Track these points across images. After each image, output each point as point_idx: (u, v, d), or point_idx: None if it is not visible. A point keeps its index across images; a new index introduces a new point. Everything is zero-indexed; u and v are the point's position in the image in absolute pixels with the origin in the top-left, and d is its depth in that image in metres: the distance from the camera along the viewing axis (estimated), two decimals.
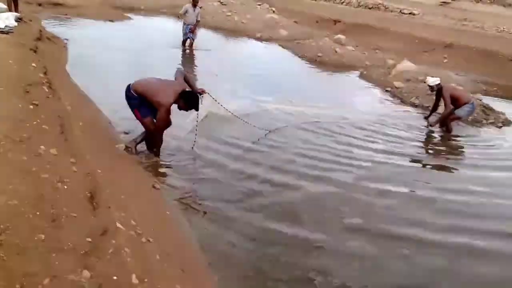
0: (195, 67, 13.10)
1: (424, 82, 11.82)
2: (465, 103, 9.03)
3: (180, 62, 13.28)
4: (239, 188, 5.65)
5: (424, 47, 18.80)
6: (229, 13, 22.96)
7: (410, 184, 6.41)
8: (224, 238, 4.56)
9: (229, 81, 10.97)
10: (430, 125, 9.43)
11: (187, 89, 5.99)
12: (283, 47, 18.04)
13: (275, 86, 11.48)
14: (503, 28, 25.48)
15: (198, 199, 5.28)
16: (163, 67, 10.21)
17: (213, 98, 6.91)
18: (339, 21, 24.17)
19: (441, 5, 40.70)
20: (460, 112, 9.10)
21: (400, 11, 29.68)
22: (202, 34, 17.76)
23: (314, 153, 7.10)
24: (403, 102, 11.35)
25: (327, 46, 16.83)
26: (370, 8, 31.93)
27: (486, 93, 13.14)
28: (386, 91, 12.25)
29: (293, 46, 17.70)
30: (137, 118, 5.96)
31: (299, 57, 16.26)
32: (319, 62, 15.63)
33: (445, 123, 9.24)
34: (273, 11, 26.63)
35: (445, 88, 9.15)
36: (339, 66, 15.33)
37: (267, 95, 10.15)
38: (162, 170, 5.94)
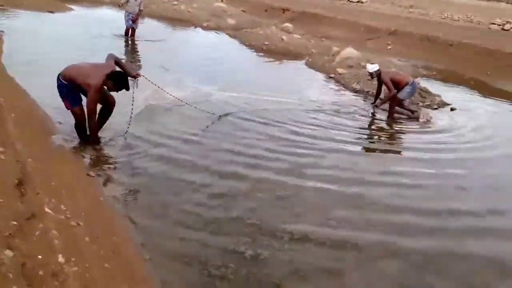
0: (139, 58, 12.85)
1: (365, 68, 12.16)
2: (405, 85, 9.22)
3: (123, 52, 13.05)
4: (173, 176, 5.57)
5: (369, 35, 19.16)
6: (176, 2, 22.71)
7: (348, 169, 6.45)
8: (159, 222, 4.55)
9: (174, 71, 10.79)
10: (376, 106, 9.63)
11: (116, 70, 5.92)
12: (230, 36, 18.00)
13: (222, 75, 11.31)
14: (447, 15, 26.36)
15: (134, 186, 5.21)
16: (103, 59, 10.03)
17: (151, 82, 6.80)
18: (288, 10, 24.31)
19: None
20: (401, 94, 9.26)
21: None
22: (148, 24, 17.54)
23: (260, 142, 7.03)
24: (345, 87, 11.50)
25: (274, 34, 16.89)
26: None
27: (426, 77, 13.51)
28: (330, 77, 12.40)
29: (241, 35, 17.67)
30: (67, 108, 5.89)
31: (246, 45, 16.26)
32: (266, 50, 15.67)
33: (389, 110, 9.35)
34: (221, 0, 26.51)
35: (384, 73, 9.29)
36: (285, 54, 15.42)
37: (213, 84, 9.98)
38: (98, 158, 5.82)
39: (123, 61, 6.40)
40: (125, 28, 14.42)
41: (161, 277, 3.73)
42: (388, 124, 9.07)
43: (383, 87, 9.55)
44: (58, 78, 5.75)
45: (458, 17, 25.53)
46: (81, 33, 14.20)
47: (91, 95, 5.60)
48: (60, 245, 3.05)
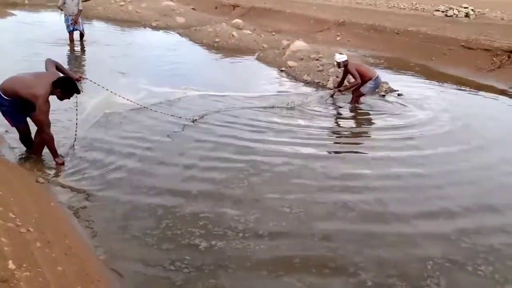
0: (92, 63, 12.50)
1: (317, 60, 12.42)
2: (369, 79, 9.46)
3: (69, 59, 12.61)
4: (126, 180, 5.55)
5: (319, 27, 19.49)
6: (123, 3, 22.41)
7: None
8: (111, 223, 4.59)
9: (131, 75, 10.67)
10: (340, 91, 9.87)
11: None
12: (180, 34, 17.99)
13: (175, 75, 11.30)
14: (394, 4, 27.07)
15: (85, 191, 5.19)
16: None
17: (94, 83, 6.50)
18: (238, 6, 24.42)
19: None
20: (364, 89, 9.52)
21: None
22: (94, 26, 17.31)
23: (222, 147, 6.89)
24: (296, 79, 11.70)
25: (224, 31, 16.95)
26: None
27: (374, 66, 13.87)
28: (281, 70, 12.58)
29: (190, 33, 17.67)
30: (11, 125, 5.68)
31: (197, 43, 16.28)
32: (217, 47, 15.75)
33: (353, 99, 9.68)
34: None
35: (351, 64, 9.54)
36: (237, 50, 15.54)
37: (167, 85, 9.70)
38: (47, 165, 5.74)
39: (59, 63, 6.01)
40: (68, 35, 13.94)
41: (116, 276, 3.78)
42: (351, 109, 9.47)
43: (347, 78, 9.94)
44: None
45: (404, 6, 26.27)
46: (25, 39, 13.85)
47: (40, 106, 5.19)
48: (10, 252, 3.03)
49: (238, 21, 18.62)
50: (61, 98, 5.52)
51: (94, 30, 15.78)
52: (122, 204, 4.96)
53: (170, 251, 4.17)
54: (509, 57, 13.89)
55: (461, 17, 22.78)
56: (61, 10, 13.66)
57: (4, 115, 5.50)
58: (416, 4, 26.40)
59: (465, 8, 23.57)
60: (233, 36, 16.50)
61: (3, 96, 5.29)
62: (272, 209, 5.04)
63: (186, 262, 4.02)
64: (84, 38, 14.25)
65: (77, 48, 13.85)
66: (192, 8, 24.38)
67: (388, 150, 7.12)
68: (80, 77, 6.12)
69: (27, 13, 20.01)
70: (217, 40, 16.25)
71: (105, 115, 7.50)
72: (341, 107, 9.64)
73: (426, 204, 5.42)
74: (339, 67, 9.74)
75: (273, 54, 14.15)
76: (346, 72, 9.68)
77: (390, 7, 25.46)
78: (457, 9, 23.39)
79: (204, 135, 7.23)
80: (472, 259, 4.35)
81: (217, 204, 5.05)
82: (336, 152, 7.10)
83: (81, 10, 13.83)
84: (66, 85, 5.41)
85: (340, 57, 9.56)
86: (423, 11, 24.61)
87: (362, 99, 9.78)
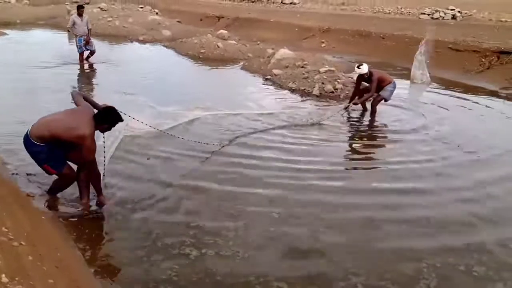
0: (95, 83, 12.08)
1: (302, 67, 12.29)
2: (389, 83, 9.31)
3: (79, 81, 12.19)
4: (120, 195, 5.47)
5: (303, 34, 19.47)
6: (110, 19, 22.46)
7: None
8: (102, 236, 4.64)
9: (133, 94, 10.22)
10: (355, 104, 9.54)
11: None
12: (166, 47, 17.95)
13: (172, 91, 11.15)
14: (378, 9, 27.09)
15: (76, 203, 5.17)
16: (60, 90, 9.99)
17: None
18: (222, 17, 24.42)
19: None
20: (384, 93, 9.35)
21: (282, 1, 30.60)
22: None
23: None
24: (282, 87, 11.58)
25: (209, 42, 16.93)
26: (253, 2, 32.61)
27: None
28: (267, 79, 12.50)
29: (177, 45, 17.64)
30: (50, 174, 5.01)
31: (183, 55, 16.23)
32: (202, 58, 15.71)
33: (372, 109, 9.47)
34: (156, 13, 26.40)
35: (375, 73, 9.23)
36: (222, 60, 15.53)
37: (171, 103, 9.46)
38: (37, 178, 5.65)
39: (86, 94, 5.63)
40: (78, 51, 13.51)
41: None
42: (371, 121, 9.27)
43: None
44: (28, 141, 4.75)
45: (389, 10, 26.25)
46: (24, 61, 13.44)
47: (90, 146, 4.68)
48: (3, 265, 3.03)
49: (223, 31, 18.58)
50: (104, 130, 5.04)
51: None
52: (114, 217, 4.95)
53: (161, 263, 4.17)
54: (498, 57, 13.88)
55: (448, 19, 22.79)
56: (68, 31, 13.72)
57: (44, 164, 4.86)
58: (401, 8, 26.39)
59: (451, 10, 23.60)
60: (218, 46, 16.46)
61: (38, 143, 4.71)
62: None
63: (177, 272, 4.04)
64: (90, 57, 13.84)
65: (89, 68, 13.52)
66: (178, 21, 24.34)
67: None
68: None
69: (20, 32, 20.01)
70: (202, 51, 16.20)
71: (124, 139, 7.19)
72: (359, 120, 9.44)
73: None
74: (365, 77, 9.24)
75: (258, 63, 14.10)
76: (363, 80, 9.39)
77: (375, 12, 25.46)
78: (443, 12, 23.41)
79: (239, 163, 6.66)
80: None
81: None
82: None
83: (91, 29, 13.56)
84: (110, 117, 4.91)
85: (363, 69, 9.10)
86: (409, 15, 24.60)
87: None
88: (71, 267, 3.95)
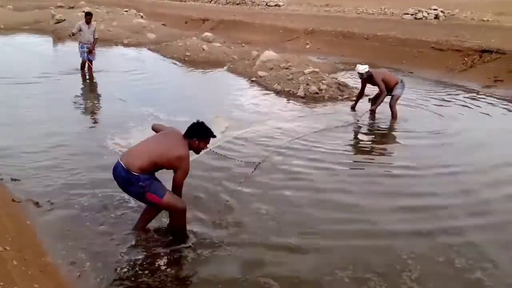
0: (98, 92, 11.53)
1: (287, 69, 12.36)
2: (396, 84, 9.28)
3: (81, 89, 11.75)
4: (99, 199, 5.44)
5: (288, 36, 19.55)
6: (94, 22, 22.25)
7: None
8: (87, 240, 4.55)
9: (132, 102, 10.00)
10: (373, 110, 9.48)
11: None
12: (151, 50, 17.91)
13: (172, 99, 10.81)
14: (362, 10, 27.30)
15: (60, 209, 5.14)
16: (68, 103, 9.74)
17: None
18: (207, 20, 24.43)
19: None
20: (397, 91, 9.31)
21: (266, 3, 30.73)
22: (70, 47, 16.99)
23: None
24: (267, 89, 11.63)
25: (194, 44, 16.95)
26: (237, 4, 32.71)
27: (345, 71, 13.96)
28: (252, 81, 12.54)
29: (161, 48, 17.65)
30: (157, 203, 4.45)
31: (168, 58, 16.21)
32: (188, 61, 15.71)
33: (391, 110, 9.40)
34: (141, 16, 26.36)
35: (376, 74, 9.25)
36: (207, 63, 15.52)
37: (179, 113, 8.96)
38: (22, 184, 5.65)
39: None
40: (80, 61, 12.90)
41: None
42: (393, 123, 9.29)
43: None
44: (129, 176, 4.29)
45: (373, 11, 26.49)
46: (24, 69, 12.99)
47: (186, 167, 4.38)
48: None
49: (208, 34, 18.58)
50: (199, 149, 4.66)
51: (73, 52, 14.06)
52: (101, 221, 4.91)
53: (148, 269, 4.17)
54: (480, 56, 14.05)
55: (431, 19, 23.03)
56: (72, 36, 13.00)
57: (143, 194, 4.37)
58: (384, 9, 26.68)
59: (434, 10, 23.84)
60: (203, 49, 16.48)
61: (137, 174, 4.29)
62: None
63: (166, 274, 4.09)
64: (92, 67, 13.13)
65: (88, 77, 12.81)
66: (163, 24, 24.31)
67: None
68: None
69: (4, 37, 19.79)
70: (187, 54, 16.22)
71: None
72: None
73: None
74: (361, 77, 9.32)
75: (244, 65, 14.15)
76: (366, 83, 9.40)
77: (358, 13, 25.68)
78: (426, 12, 23.64)
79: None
80: None
81: None
82: None
83: (97, 38, 12.92)
84: (200, 131, 4.57)
85: (363, 68, 9.16)
86: (392, 15, 24.86)
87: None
88: (56, 272, 3.93)
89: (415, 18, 23.23)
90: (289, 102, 10.57)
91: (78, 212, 5.08)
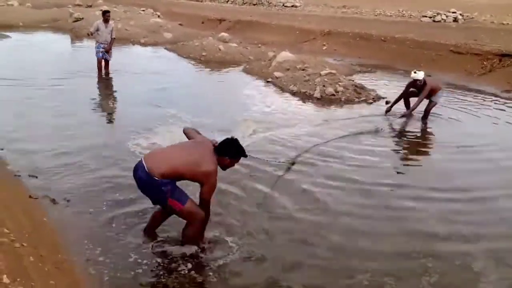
0: (121, 95, 10.98)
1: (303, 70, 12.31)
2: (440, 90, 9.45)
3: (99, 90, 11.69)
4: (102, 197, 5.47)
5: (304, 37, 19.49)
6: (112, 21, 22.41)
7: None
8: (103, 239, 4.58)
9: (165, 107, 9.60)
10: (406, 115, 9.50)
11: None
12: (168, 50, 17.96)
13: (193, 99, 10.64)
14: (380, 12, 27.13)
15: (76, 205, 5.19)
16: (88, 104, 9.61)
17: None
18: (224, 20, 24.45)
19: None
20: (437, 99, 9.50)
21: (283, 4, 30.71)
22: (88, 47, 17.12)
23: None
24: (283, 90, 11.60)
25: (211, 44, 16.97)
26: (254, 5, 32.74)
27: (361, 73, 13.89)
28: (268, 81, 12.50)
29: (178, 48, 17.67)
30: (177, 210, 4.31)
31: (184, 57, 16.26)
32: (204, 61, 15.73)
33: (425, 114, 9.54)
34: (158, 16, 26.47)
35: (428, 81, 9.34)
36: (224, 63, 15.53)
37: (203, 113, 9.08)
38: (39, 180, 5.71)
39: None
40: (96, 61, 12.60)
41: None
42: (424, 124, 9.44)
43: None
44: (149, 179, 4.13)
45: (391, 13, 26.32)
46: (48, 69, 12.80)
47: (214, 183, 4.20)
48: (4, 266, 3.05)
49: (224, 34, 18.60)
50: (227, 167, 4.44)
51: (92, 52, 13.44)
52: (116, 220, 4.94)
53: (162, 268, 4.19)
54: (500, 60, 13.88)
55: (449, 22, 22.84)
56: (91, 36, 12.61)
57: (170, 199, 4.22)
58: (402, 11, 26.49)
59: (453, 13, 23.66)
60: (219, 49, 16.49)
61: (158, 178, 4.11)
62: None
63: (183, 275, 4.09)
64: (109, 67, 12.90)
65: (105, 77, 12.62)
66: (180, 24, 24.38)
67: None
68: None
69: (24, 34, 19.99)
70: (204, 53, 16.24)
71: None
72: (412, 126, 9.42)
73: None
74: (420, 83, 9.23)
75: (260, 66, 14.12)
76: (415, 87, 9.38)
77: (376, 15, 25.54)
78: (445, 14, 23.47)
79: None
80: None
81: None
82: None
83: (114, 38, 12.59)
84: (233, 150, 4.35)
85: (422, 74, 9.20)
86: (410, 17, 24.70)
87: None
88: (72, 268, 3.97)
89: (434, 21, 23.07)
90: (305, 104, 10.50)
91: (94, 211, 5.09)
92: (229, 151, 4.29)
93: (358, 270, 4.28)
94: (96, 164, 6.37)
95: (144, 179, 4.17)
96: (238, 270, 4.24)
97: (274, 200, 5.63)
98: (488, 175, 6.77)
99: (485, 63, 14.16)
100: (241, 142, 4.46)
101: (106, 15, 12.33)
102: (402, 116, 9.49)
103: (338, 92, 10.88)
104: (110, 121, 9.04)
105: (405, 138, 8.79)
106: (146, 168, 4.12)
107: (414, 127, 9.31)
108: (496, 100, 11.47)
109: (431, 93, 9.32)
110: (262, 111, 9.72)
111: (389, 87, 12.33)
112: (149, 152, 4.44)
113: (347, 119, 9.36)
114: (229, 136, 4.43)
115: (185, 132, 4.76)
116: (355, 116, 9.60)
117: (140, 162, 4.23)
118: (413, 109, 9.40)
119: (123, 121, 8.69)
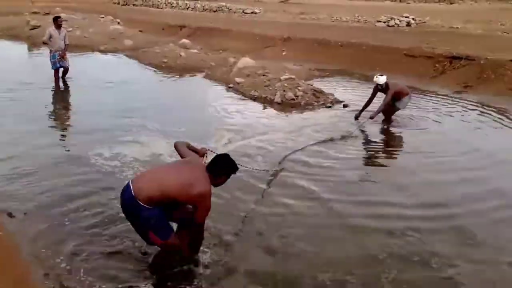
0: (84, 105, 10.79)
1: (264, 75, 12.61)
2: (406, 95, 9.59)
3: (57, 102, 11.31)
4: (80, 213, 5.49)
5: (265, 43, 19.80)
6: (70, 29, 22.20)
7: None
8: (60, 251, 4.55)
9: (131, 116, 9.54)
10: (372, 118, 9.48)
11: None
12: (128, 57, 18.00)
13: (151, 106, 10.54)
14: (336, 18, 27.75)
15: (32, 218, 5.15)
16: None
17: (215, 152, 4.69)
18: (185, 26, 24.56)
19: (281, 2, 43.16)
20: (401, 104, 9.61)
21: (243, 11, 31.05)
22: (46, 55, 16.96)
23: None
24: (244, 95, 11.85)
25: (172, 51, 17.15)
26: (215, 11, 32.97)
27: (320, 78, 14.33)
28: (229, 87, 12.73)
29: (139, 54, 17.76)
30: (152, 243, 4.19)
31: (145, 64, 16.34)
32: (165, 67, 15.84)
33: (388, 119, 9.77)
34: (118, 23, 26.40)
35: (392, 86, 9.40)
36: (186, 69, 15.63)
37: (169, 122, 9.17)
38: None
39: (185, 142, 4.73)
40: (52, 73, 12.34)
41: None
42: (386, 127, 9.67)
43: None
44: (135, 204, 3.85)
45: (347, 19, 26.93)
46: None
47: (208, 205, 3.95)
48: None
49: (185, 41, 18.80)
50: (220, 184, 4.25)
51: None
52: (75, 233, 4.90)
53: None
54: (450, 62, 14.52)
55: (403, 26, 23.59)
56: (44, 43, 12.37)
57: (149, 231, 3.99)
58: (358, 16, 27.13)
59: (406, 17, 24.42)
60: (180, 56, 16.66)
61: (148, 206, 3.85)
62: None
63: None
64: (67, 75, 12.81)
65: (63, 86, 12.52)
66: (140, 31, 24.36)
67: None
68: (205, 150, 4.74)
69: None
70: (165, 60, 16.35)
71: None
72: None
73: None
74: (381, 88, 9.43)
75: (221, 72, 14.36)
76: (381, 92, 9.54)
77: (333, 21, 26.14)
78: (398, 19, 24.19)
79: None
80: None
81: None
82: None
83: (68, 44, 12.45)
84: (227, 167, 4.16)
85: (383, 79, 9.31)
86: (366, 23, 25.35)
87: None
88: (29, 283, 3.94)
89: (388, 26, 23.75)
90: (270, 110, 10.79)
91: (53, 223, 5.07)
92: (223, 169, 4.11)
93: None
94: (54, 176, 6.31)
95: (128, 203, 3.91)
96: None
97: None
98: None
99: (437, 65, 14.77)
100: (217, 152, 4.46)
101: (58, 21, 12.14)
102: (370, 117, 9.47)
103: (297, 96, 11.21)
104: (70, 132, 8.92)
105: (370, 145, 8.97)
106: (132, 190, 3.84)
107: (379, 132, 9.52)
108: (449, 100, 11.98)
109: (396, 97, 9.46)
110: (229, 118, 9.88)
111: (347, 90, 12.78)
112: (138, 173, 4.19)
113: (317, 125, 9.53)
114: (218, 153, 4.32)
115: (176, 147, 4.56)
116: (324, 122, 9.80)
117: (128, 184, 3.96)
118: (377, 112, 9.44)
119: (84, 132, 8.53)
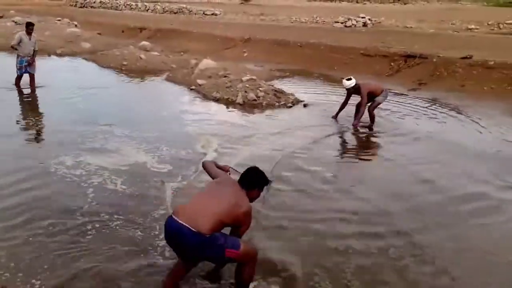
0: (50, 114, 10.27)
1: (225, 77, 12.73)
2: (381, 92, 9.62)
3: (22, 109, 10.97)
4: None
5: (225, 44, 19.97)
6: (35, 33, 21.77)
7: None
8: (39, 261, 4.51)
9: (98, 122, 9.27)
10: (355, 125, 9.53)
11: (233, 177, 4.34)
12: (87, 60, 17.76)
13: (114, 111, 10.46)
14: (295, 19, 28.18)
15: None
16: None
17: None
18: (145, 28, 24.46)
19: (241, 3, 43.43)
20: (379, 98, 9.62)
21: (203, 12, 31.10)
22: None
23: None
24: (206, 97, 11.92)
25: (131, 54, 16.98)
26: (175, 13, 32.88)
27: (280, 78, 14.56)
28: (191, 89, 12.76)
29: (97, 57, 17.53)
30: (235, 258, 3.86)
31: (105, 67, 16.13)
32: (125, 70, 15.66)
33: (370, 115, 9.67)
34: (75, 25, 25.99)
35: (363, 86, 9.46)
36: (146, 72, 15.52)
37: (147, 129, 8.89)
38: None
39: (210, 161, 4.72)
40: (15, 77, 12.16)
41: None
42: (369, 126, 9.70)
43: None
44: (202, 239, 3.58)
45: (305, 20, 27.41)
46: None
47: (249, 222, 3.94)
48: None
49: (145, 43, 18.73)
50: (255, 199, 4.18)
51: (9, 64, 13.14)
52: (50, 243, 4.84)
53: None
54: (405, 61, 15.04)
55: (360, 26, 24.20)
56: (13, 47, 11.93)
57: (227, 249, 3.75)
58: (316, 17, 27.64)
59: (362, 18, 25.06)
60: (141, 58, 16.55)
61: (211, 235, 3.64)
62: None
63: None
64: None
65: (28, 93, 12.00)
66: (98, 33, 24.12)
67: None
68: (228, 168, 4.61)
69: None
70: (125, 63, 16.20)
71: None
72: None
73: None
74: (349, 91, 9.59)
75: (182, 74, 14.37)
76: (350, 94, 9.69)
77: (292, 22, 26.58)
78: (355, 20, 24.80)
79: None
80: None
81: None
82: None
83: (37, 50, 12.31)
84: (259, 180, 4.12)
85: (350, 83, 9.38)
86: (324, 23, 25.88)
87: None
88: None
89: (345, 26, 24.34)
90: (231, 111, 10.88)
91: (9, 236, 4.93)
92: (258, 182, 4.08)
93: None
94: (12, 187, 6.12)
95: (195, 242, 3.63)
96: None
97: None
98: None
99: (392, 64, 15.28)
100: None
101: (29, 28, 11.93)
102: (353, 125, 9.57)
103: (259, 97, 11.36)
104: (29, 140, 8.53)
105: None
106: (191, 227, 3.59)
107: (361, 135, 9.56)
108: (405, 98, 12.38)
109: (373, 95, 9.51)
110: (199, 121, 9.78)
111: (307, 90, 13.02)
112: (176, 211, 3.81)
113: (300, 128, 9.54)
114: (249, 166, 4.22)
115: (205, 167, 4.52)
116: (306, 125, 9.80)
117: (179, 224, 3.65)
118: (359, 118, 9.52)
119: (46, 140, 8.35)
